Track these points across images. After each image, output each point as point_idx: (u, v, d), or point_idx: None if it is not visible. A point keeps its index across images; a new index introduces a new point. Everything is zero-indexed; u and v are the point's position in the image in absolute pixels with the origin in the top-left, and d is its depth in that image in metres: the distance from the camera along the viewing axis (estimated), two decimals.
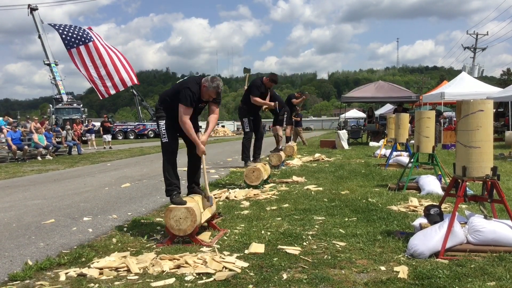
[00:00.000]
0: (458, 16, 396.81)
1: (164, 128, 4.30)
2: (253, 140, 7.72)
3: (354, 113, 48.92)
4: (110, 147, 21.35)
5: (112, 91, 6.66)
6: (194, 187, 4.51)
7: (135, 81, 6.79)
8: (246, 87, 7.96)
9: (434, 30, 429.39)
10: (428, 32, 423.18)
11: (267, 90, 7.79)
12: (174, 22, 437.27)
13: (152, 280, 3.07)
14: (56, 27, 6.69)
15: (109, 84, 6.54)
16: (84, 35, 6.47)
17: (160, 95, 4.58)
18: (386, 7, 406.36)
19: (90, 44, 6.36)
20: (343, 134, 16.70)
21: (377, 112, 30.15)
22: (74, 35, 6.43)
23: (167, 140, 4.31)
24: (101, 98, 6.59)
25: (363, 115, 41.84)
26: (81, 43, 6.36)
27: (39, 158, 15.00)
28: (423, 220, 3.86)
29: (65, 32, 6.49)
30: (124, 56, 6.81)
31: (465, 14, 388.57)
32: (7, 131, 15.10)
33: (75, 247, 4.02)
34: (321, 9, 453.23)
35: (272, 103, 7.93)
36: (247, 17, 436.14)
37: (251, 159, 7.58)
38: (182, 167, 4.69)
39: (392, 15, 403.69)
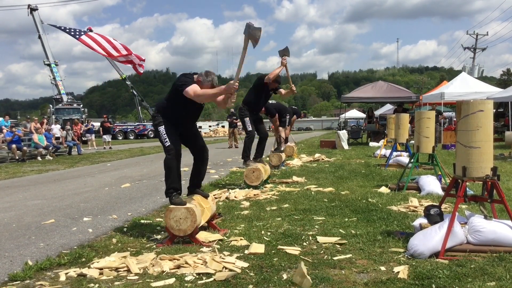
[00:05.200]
0: (461, 16, 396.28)
1: (164, 133, 4.25)
2: (256, 141, 7.70)
3: (354, 113, 48.92)
4: (110, 147, 21.35)
5: (141, 70, 6.89)
6: (195, 189, 4.51)
7: (141, 71, 7.01)
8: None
9: (437, 30, 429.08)
10: (431, 32, 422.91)
11: (269, 90, 7.75)
12: (178, 22, 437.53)
13: (152, 280, 3.07)
14: (57, 26, 6.87)
15: (134, 59, 6.77)
16: (85, 31, 6.67)
17: (156, 105, 4.60)
18: (389, 7, 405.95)
19: (93, 33, 6.54)
20: (343, 134, 16.71)
21: (377, 112, 30.15)
22: (78, 30, 6.64)
23: (169, 143, 4.24)
24: (141, 72, 6.83)
25: (363, 115, 41.82)
26: (86, 31, 6.56)
27: (39, 158, 15.00)
28: (423, 220, 3.86)
29: (67, 29, 6.69)
30: (127, 48, 6.99)
31: (468, 14, 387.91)
32: (7, 131, 15.12)
33: (75, 247, 4.02)
34: (325, 9, 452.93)
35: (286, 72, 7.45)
36: (252, 17, 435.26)
37: (251, 158, 7.57)
38: (183, 167, 4.69)
39: (395, 15, 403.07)
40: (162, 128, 4.27)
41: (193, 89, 4.08)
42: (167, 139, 4.25)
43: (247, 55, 4.08)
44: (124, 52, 6.65)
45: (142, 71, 6.87)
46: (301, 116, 15.22)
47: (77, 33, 6.60)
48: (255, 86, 7.56)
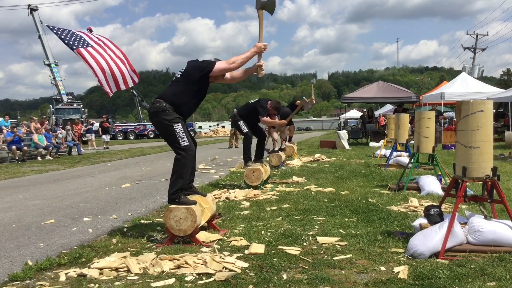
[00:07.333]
0: (462, 16, 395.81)
1: (182, 131, 4.09)
2: (254, 143, 7.72)
3: (354, 114, 48.94)
4: (108, 148, 21.30)
5: (114, 89, 6.68)
6: (192, 186, 4.50)
7: (136, 80, 6.80)
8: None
9: (439, 30, 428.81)
10: (432, 32, 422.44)
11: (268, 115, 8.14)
12: (180, 23, 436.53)
13: (152, 281, 3.07)
14: (55, 30, 6.68)
15: (112, 83, 6.57)
16: (82, 41, 6.50)
17: (160, 95, 4.24)
18: (390, 7, 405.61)
19: (89, 48, 6.40)
20: (344, 134, 16.72)
21: (377, 112, 30.16)
22: (73, 39, 6.47)
23: (187, 143, 4.09)
24: (110, 95, 6.64)
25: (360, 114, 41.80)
26: (80, 46, 6.39)
27: (39, 158, 15.00)
28: (423, 221, 3.86)
29: (63, 36, 6.51)
30: (125, 55, 6.82)
31: (470, 14, 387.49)
32: (7, 131, 15.13)
33: (75, 247, 4.02)
34: (327, 9, 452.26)
35: (282, 122, 8.77)
36: (254, 17, 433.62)
37: (252, 159, 7.59)
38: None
39: (396, 15, 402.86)
40: (179, 126, 4.09)
41: (221, 62, 4.09)
42: (185, 139, 4.09)
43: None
44: (119, 69, 6.50)
45: (113, 92, 6.65)
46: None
47: (74, 43, 6.37)
48: (253, 112, 7.67)
